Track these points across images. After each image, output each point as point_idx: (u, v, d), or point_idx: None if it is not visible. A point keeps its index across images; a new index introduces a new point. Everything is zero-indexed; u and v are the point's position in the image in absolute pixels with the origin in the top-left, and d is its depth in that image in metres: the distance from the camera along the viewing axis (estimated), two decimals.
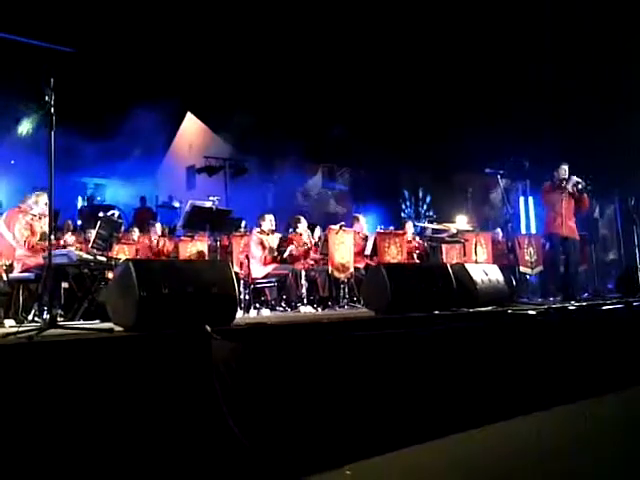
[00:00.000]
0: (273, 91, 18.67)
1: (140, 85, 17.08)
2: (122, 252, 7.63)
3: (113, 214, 7.19)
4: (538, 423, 3.83)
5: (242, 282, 7.51)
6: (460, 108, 18.06)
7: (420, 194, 21.79)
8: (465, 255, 8.88)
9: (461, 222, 9.81)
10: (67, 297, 5.94)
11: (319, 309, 7.59)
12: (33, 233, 5.83)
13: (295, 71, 19.13)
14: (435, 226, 9.52)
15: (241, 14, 18.77)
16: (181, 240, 8.54)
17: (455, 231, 8.98)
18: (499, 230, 10.52)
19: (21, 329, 3.30)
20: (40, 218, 5.94)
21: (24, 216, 5.87)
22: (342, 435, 3.24)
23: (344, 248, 8.13)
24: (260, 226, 8.07)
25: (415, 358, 3.89)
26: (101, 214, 7.11)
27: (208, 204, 6.71)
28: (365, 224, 9.48)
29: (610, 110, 15.33)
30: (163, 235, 9.23)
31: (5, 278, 5.91)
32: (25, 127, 16.28)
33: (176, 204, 14.96)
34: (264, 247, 7.85)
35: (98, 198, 17.05)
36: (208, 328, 3.19)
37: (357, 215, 9.69)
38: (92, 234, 6.74)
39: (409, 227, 9.72)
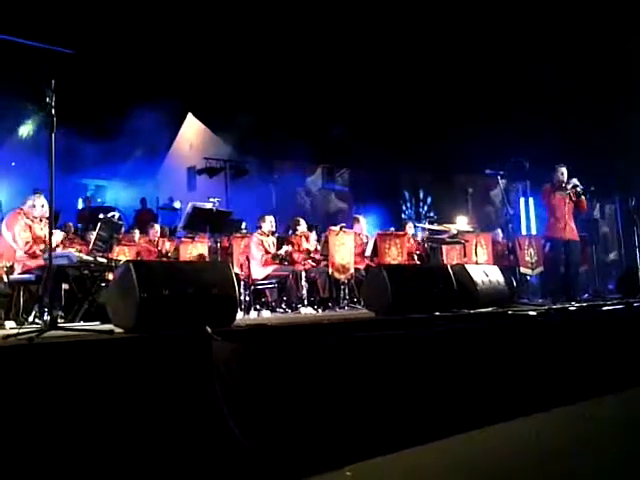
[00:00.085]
0: (273, 92, 18.69)
1: (140, 86, 17.10)
2: (122, 254, 7.61)
3: (113, 216, 7.19)
4: (538, 424, 3.83)
5: (242, 283, 7.51)
6: (460, 108, 18.07)
7: (421, 195, 21.80)
8: (465, 256, 8.88)
9: (461, 223, 9.81)
10: (67, 299, 5.93)
11: (319, 310, 7.58)
12: (33, 235, 5.83)
13: (295, 72, 19.15)
14: (435, 227, 9.52)
15: (241, 15, 18.80)
16: (182, 241, 8.54)
17: (455, 232, 8.98)
18: (499, 231, 10.51)
19: (21, 331, 3.31)
20: (41, 220, 5.95)
21: (23, 218, 5.87)
22: (342, 436, 3.24)
23: (344, 249, 8.13)
24: (260, 227, 8.07)
25: (416, 359, 3.89)
26: (101, 216, 7.10)
27: (208, 205, 6.71)
28: (365, 225, 9.48)
29: (610, 110, 15.35)
30: (162, 236, 9.23)
31: (6, 280, 5.92)
32: (26, 129, 16.31)
33: (177, 205, 14.96)
34: (264, 248, 7.85)
35: (99, 200, 17.06)
36: (208, 329, 3.20)
37: (357, 216, 9.69)
38: (92, 236, 6.74)
39: (409, 228, 9.72)
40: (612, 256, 14.63)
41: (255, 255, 7.81)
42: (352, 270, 8.10)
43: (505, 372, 4.32)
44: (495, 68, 17.31)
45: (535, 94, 16.33)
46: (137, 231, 9.01)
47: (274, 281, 7.78)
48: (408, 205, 21.69)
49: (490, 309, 5.50)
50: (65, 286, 5.87)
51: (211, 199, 6.80)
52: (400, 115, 19.35)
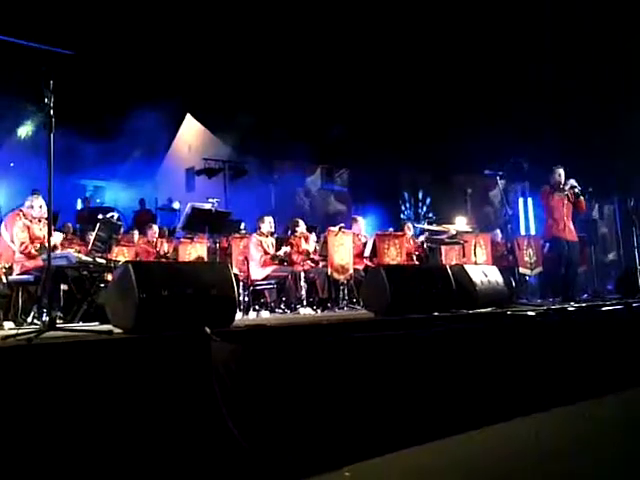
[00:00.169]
0: (272, 92, 18.70)
1: (139, 87, 17.11)
2: (121, 254, 7.61)
3: (112, 216, 7.19)
4: (537, 424, 3.83)
5: (241, 284, 7.51)
6: (460, 108, 18.08)
7: (420, 195, 21.80)
8: (464, 256, 8.88)
9: (460, 223, 9.82)
10: (66, 299, 5.93)
11: (318, 311, 7.59)
12: (32, 236, 5.82)
13: (294, 72, 19.16)
14: (434, 227, 9.51)
15: (241, 16, 18.80)
16: (181, 242, 8.54)
17: (454, 232, 8.97)
18: (498, 231, 10.52)
19: (20, 331, 3.30)
20: (40, 221, 5.94)
21: (22, 219, 5.87)
22: (341, 436, 3.24)
23: (343, 250, 8.13)
24: (259, 228, 8.06)
25: (414, 359, 3.89)
26: (100, 216, 7.10)
27: (207, 206, 6.71)
28: (364, 226, 9.48)
29: (610, 110, 15.36)
30: (161, 236, 9.23)
31: (4, 280, 5.91)
32: (25, 129, 16.31)
33: (176, 205, 14.96)
34: (263, 249, 7.85)
35: (97, 200, 17.05)
36: (207, 330, 3.19)
37: (356, 217, 9.69)
38: (91, 236, 6.74)
39: (408, 229, 9.72)
40: (611, 256, 14.64)
41: (254, 256, 7.81)
42: (351, 270, 8.10)
43: (504, 372, 4.32)
44: (495, 68, 17.33)
45: (535, 94, 16.35)
46: (136, 232, 9.01)
47: (273, 282, 7.78)
48: (407, 205, 21.70)
49: (489, 309, 5.49)
50: (64, 287, 5.87)
51: (210, 200, 6.79)
52: (399, 115, 19.36)
